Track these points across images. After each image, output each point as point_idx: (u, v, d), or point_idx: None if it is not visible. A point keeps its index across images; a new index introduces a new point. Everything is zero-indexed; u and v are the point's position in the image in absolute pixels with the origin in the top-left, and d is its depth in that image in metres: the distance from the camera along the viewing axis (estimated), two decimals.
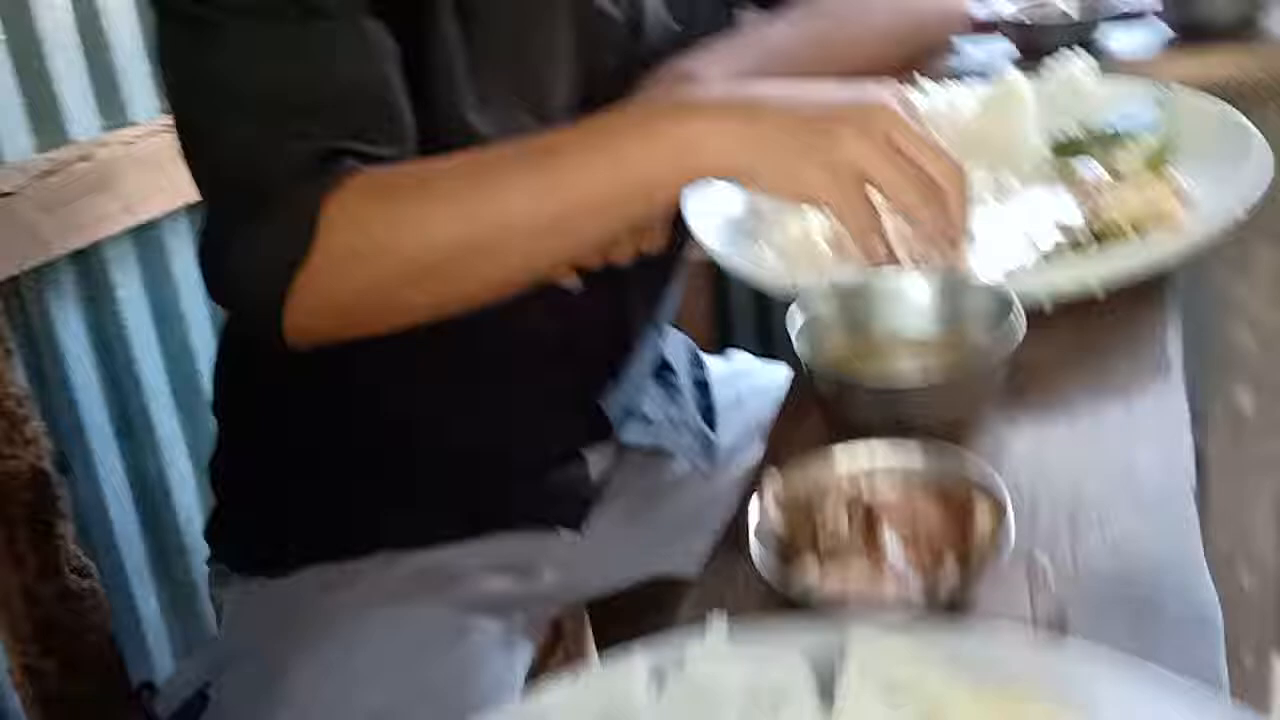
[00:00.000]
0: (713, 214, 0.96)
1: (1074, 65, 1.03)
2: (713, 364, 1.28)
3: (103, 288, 1.39)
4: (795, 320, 0.73)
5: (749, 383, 1.26)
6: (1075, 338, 0.79)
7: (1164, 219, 0.81)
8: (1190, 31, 1.13)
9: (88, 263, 1.37)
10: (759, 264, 0.89)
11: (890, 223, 0.80)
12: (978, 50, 1.23)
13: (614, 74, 1.01)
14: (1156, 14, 1.16)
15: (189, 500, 1.50)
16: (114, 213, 1.34)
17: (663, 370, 1.20)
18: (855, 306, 0.76)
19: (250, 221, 0.80)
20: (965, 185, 0.80)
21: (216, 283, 0.85)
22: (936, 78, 1.11)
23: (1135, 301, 0.81)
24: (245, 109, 0.80)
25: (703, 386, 1.24)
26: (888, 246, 0.80)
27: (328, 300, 0.81)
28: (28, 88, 1.30)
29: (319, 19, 0.82)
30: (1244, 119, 0.92)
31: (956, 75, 1.16)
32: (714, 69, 1.02)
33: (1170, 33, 1.16)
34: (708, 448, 1.18)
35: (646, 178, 0.82)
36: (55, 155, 1.29)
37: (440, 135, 0.89)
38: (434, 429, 1.03)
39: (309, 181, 0.80)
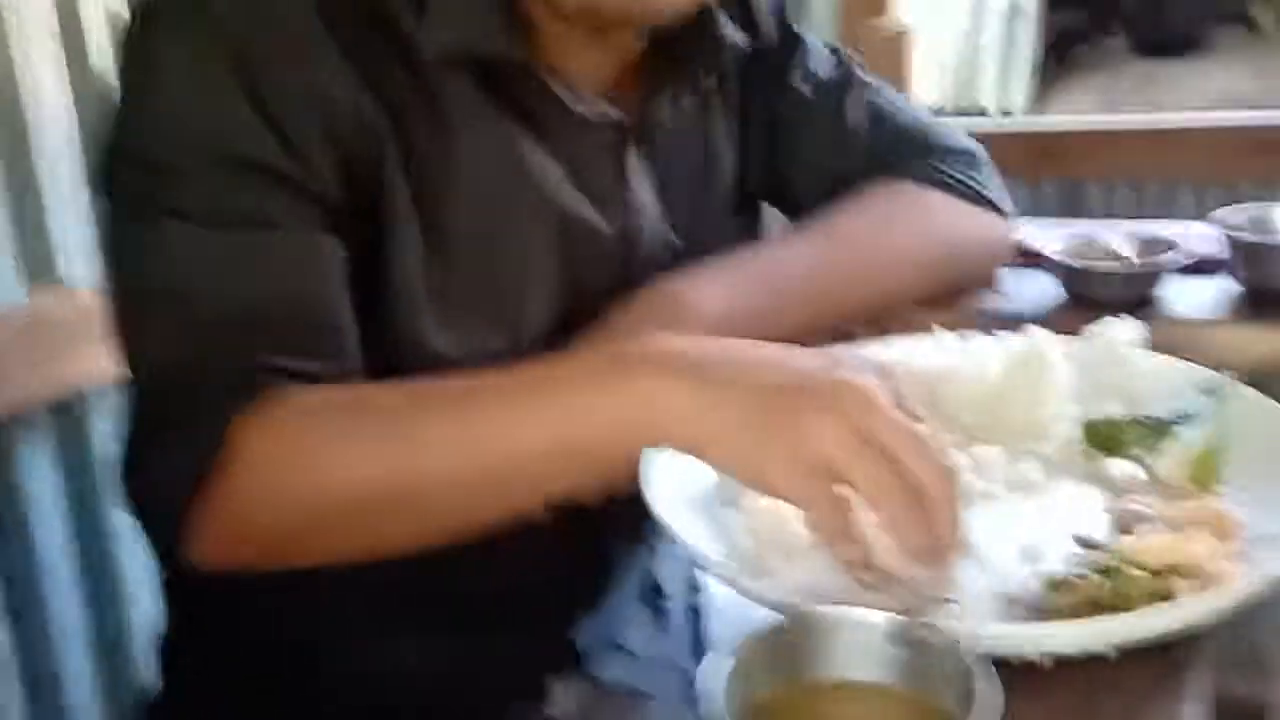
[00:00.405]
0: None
1: (1117, 329, 0.89)
2: (716, 586, 1.13)
3: None
4: (718, 666, 0.59)
5: None
6: (1073, 701, 0.64)
7: (1202, 566, 0.66)
8: (1265, 296, 0.99)
9: None
10: (718, 545, 0.75)
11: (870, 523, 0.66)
12: (1025, 288, 1.08)
13: (602, 294, 0.91)
14: (1230, 270, 1.02)
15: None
16: None
17: (653, 594, 1.07)
18: (794, 643, 0.61)
19: (166, 428, 0.76)
20: (954, 490, 0.66)
21: (126, 480, 0.79)
22: (966, 324, 0.98)
23: (1154, 661, 0.65)
24: (178, 315, 0.77)
25: (698, 613, 1.10)
26: (865, 554, 0.66)
27: (234, 528, 0.75)
28: None
29: (264, 230, 0.77)
30: None
31: (994, 321, 1.02)
32: (706, 292, 0.90)
33: (1243, 294, 1.01)
34: (693, 692, 1.02)
35: (581, 440, 0.71)
36: None
37: (399, 357, 0.83)
38: (373, 652, 0.91)
39: (231, 398, 0.74)
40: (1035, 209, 2.05)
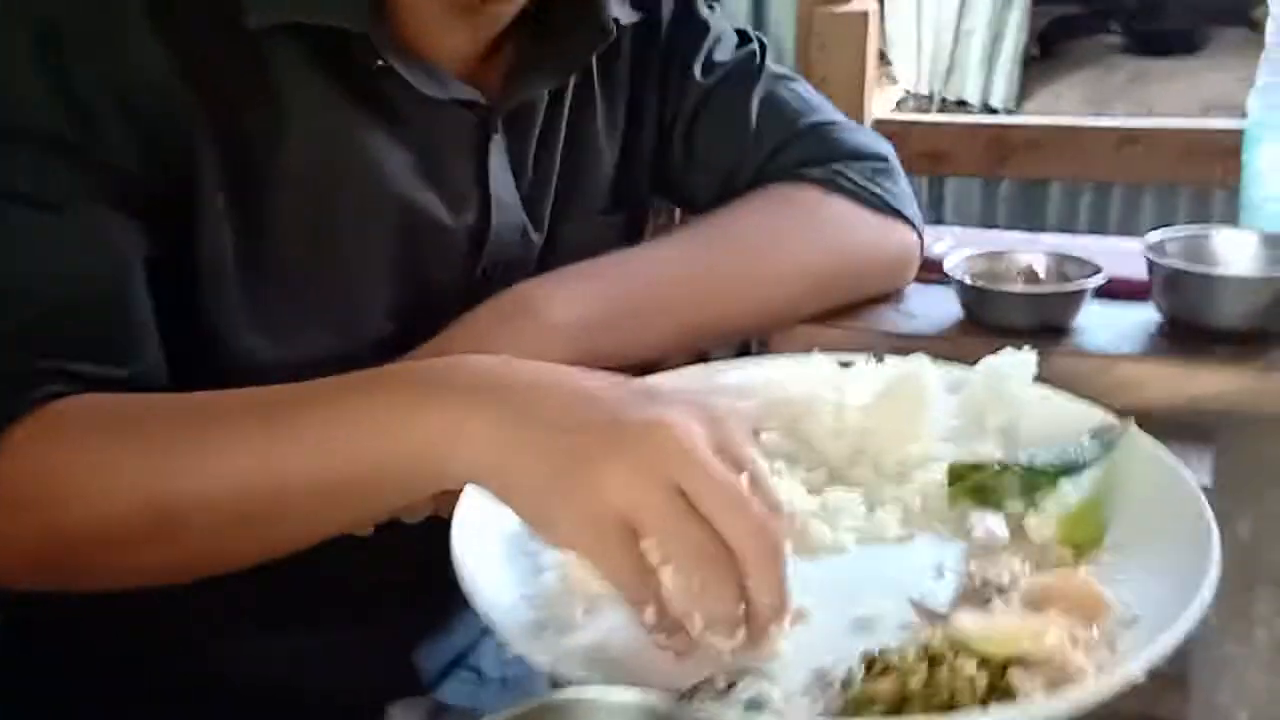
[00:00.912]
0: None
1: (1010, 361, 0.79)
2: None
3: None
4: None
5: None
6: None
7: (1053, 658, 0.56)
8: (1186, 330, 0.88)
9: None
10: (522, 589, 0.66)
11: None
12: (929, 306, 0.97)
13: (454, 295, 0.82)
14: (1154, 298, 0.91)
15: None
16: None
17: None
18: None
19: None
20: (775, 554, 0.57)
21: None
22: (856, 345, 0.88)
23: None
24: None
25: None
26: (670, 619, 0.57)
27: (5, 544, 0.68)
28: None
29: (41, 211, 0.69)
30: (1198, 494, 0.67)
31: (888, 341, 0.92)
32: (559, 298, 0.80)
33: (1165, 326, 0.91)
34: None
35: (358, 474, 0.62)
36: None
37: (215, 363, 0.76)
38: (213, 667, 0.85)
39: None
40: (987, 211, 1.95)
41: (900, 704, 0.53)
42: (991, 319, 0.89)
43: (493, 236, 0.84)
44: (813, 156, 0.94)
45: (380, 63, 0.76)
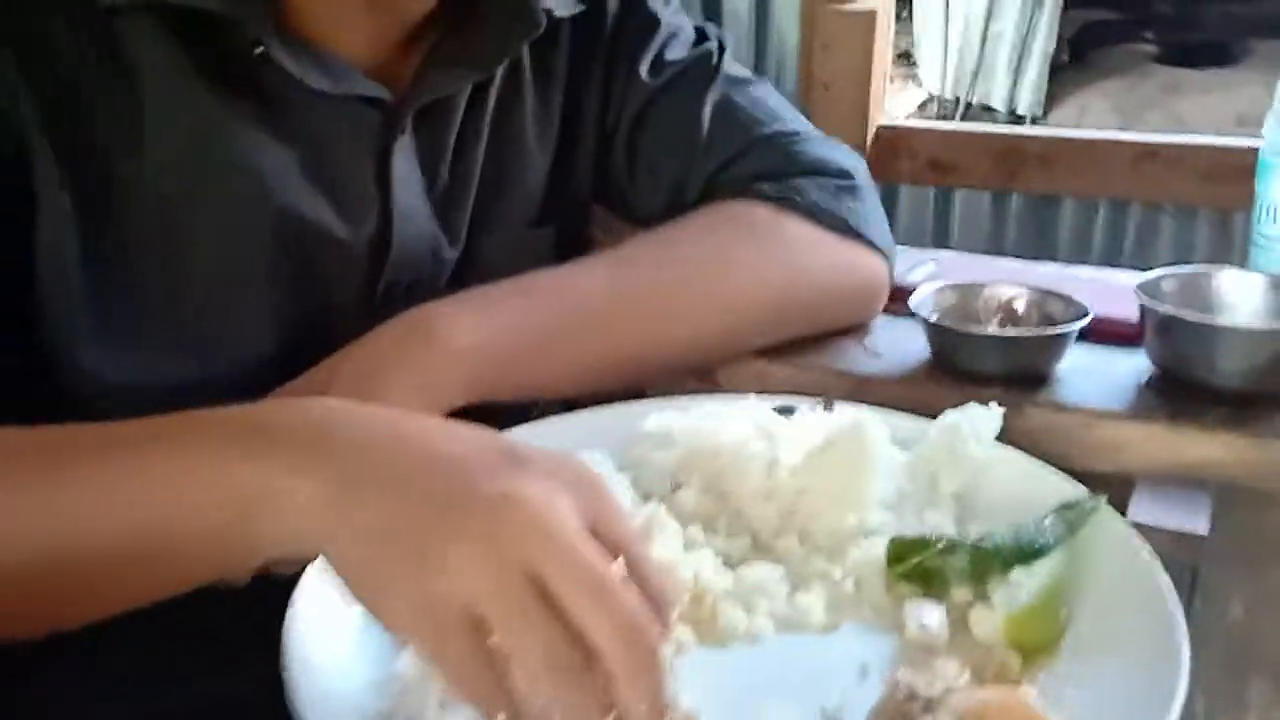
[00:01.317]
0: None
1: (972, 417, 0.69)
2: None
3: None
4: None
5: None
6: None
7: None
8: (1179, 385, 0.78)
9: None
10: (370, 671, 0.56)
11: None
12: (898, 344, 0.85)
13: (350, 314, 0.73)
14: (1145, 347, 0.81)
15: None
16: None
17: None
18: None
19: None
20: (649, 660, 0.47)
21: None
22: (806, 388, 0.79)
23: None
24: None
25: None
26: None
27: None
28: None
29: None
30: (1171, 599, 0.57)
31: (848, 384, 0.82)
32: (464, 322, 0.71)
33: (1156, 379, 0.80)
34: None
35: (158, 532, 0.52)
36: None
37: (51, 376, 0.68)
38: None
39: None
40: (997, 228, 1.84)
41: None
42: (959, 363, 0.79)
43: (395, 250, 0.75)
44: (769, 170, 0.84)
45: (260, 50, 0.67)
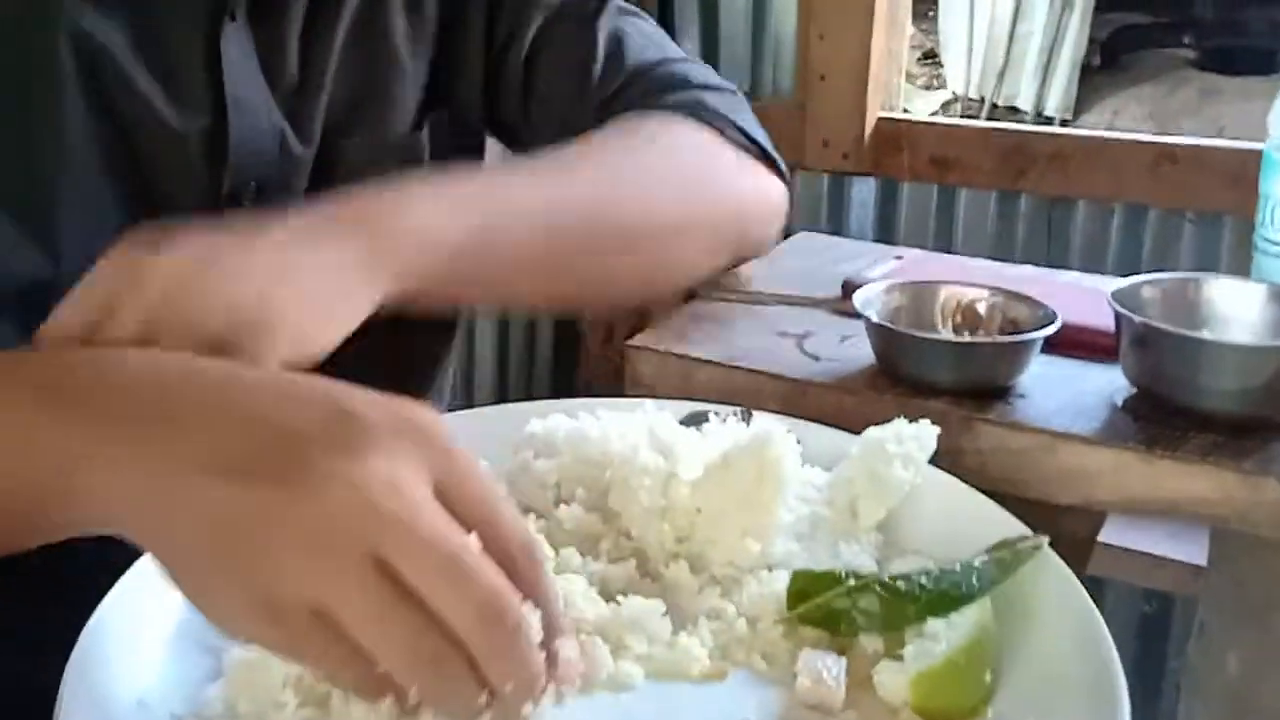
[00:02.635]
0: None
1: (899, 434, 0.59)
2: None
3: None
4: None
5: None
6: None
7: None
8: (1158, 407, 0.68)
9: None
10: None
11: None
12: (846, 342, 0.76)
13: (197, 209, 0.64)
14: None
15: None
16: None
17: None
18: None
19: None
20: (512, 634, 0.41)
21: None
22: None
23: None
24: None
25: None
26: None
27: None
28: None
29: None
30: (1113, 663, 0.47)
31: (781, 389, 0.72)
32: (417, 204, 0.61)
33: (1129, 397, 0.70)
34: None
35: None
36: None
37: None
38: None
39: None
40: (1004, 232, 1.74)
41: None
42: (905, 371, 0.69)
43: (234, 145, 0.68)
44: (667, 86, 0.80)
45: None
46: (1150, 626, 1.46)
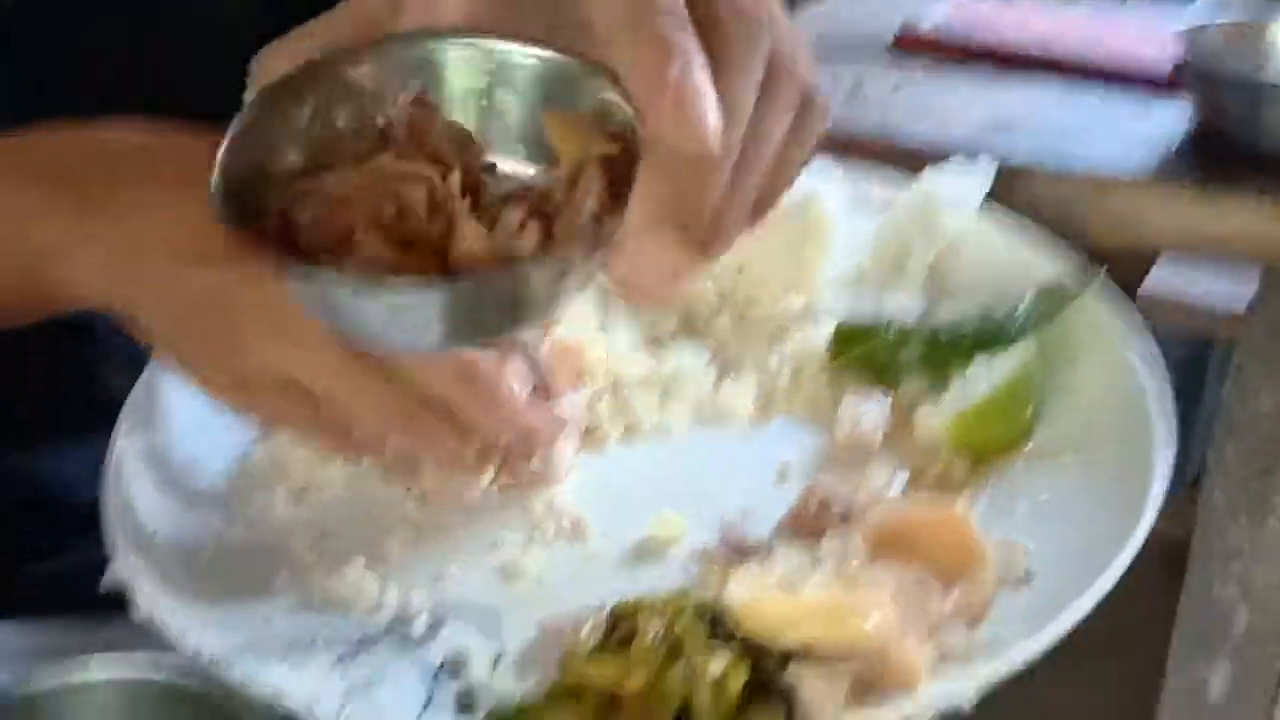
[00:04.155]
0: None
1: (953, 178, 0.58)
2: None
3: None
4: None
5: None
6: None
7: (870, 645, 0.38)
8: (1217, 148, 0.66)
9: None
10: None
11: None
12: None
13: None
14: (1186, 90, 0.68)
15: None
16: None
17: None
18: None
19: None
20: (492, 389, 0.42)
21: None
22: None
23: None
24: None
25: None
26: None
27: None
28: None
29: None
30: (1156, 393, 0.47)
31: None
32: None
33: (1190, 140, 0.67)
34: None
35: None
36: None
37: None
38: None
39: None
40: None
41: (606, 711, 0.37)
42: None
43: None
44: None
45: None
46: (1187, 370, 1.47)
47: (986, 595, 0.42)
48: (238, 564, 0.46)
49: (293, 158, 0.36)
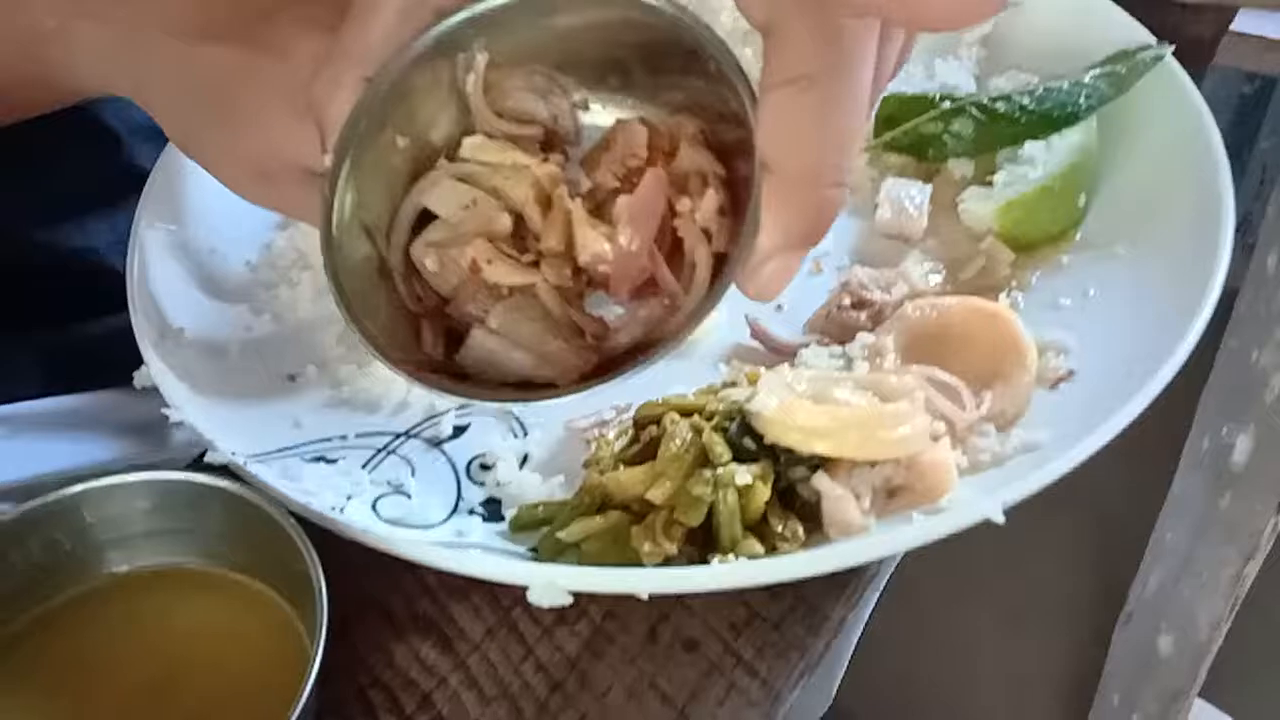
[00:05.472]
0: None
1: None
2: None
3: None
4: None
5: None
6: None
7: (901, 449, 0.37)
8: None
9: None
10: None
11: None
12: None
13: None
14: None
15: None
16: None
17: None
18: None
19: None
20: None
21: None
22: None
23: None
24: None
25: None
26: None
27: None
28: None
29: None
30: (1224, 187, 0.44)
31: None
32: None
33: None
34: None
35: None
36: None
37: None
38: None
39: None
40: None
41: (632, 518, 0.36)
42: None
43: None
44: None
45: None
46: (1246, 107, 1.40)
47: (1025, 398, 0.41)
48: (266, 359, 0.45)
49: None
